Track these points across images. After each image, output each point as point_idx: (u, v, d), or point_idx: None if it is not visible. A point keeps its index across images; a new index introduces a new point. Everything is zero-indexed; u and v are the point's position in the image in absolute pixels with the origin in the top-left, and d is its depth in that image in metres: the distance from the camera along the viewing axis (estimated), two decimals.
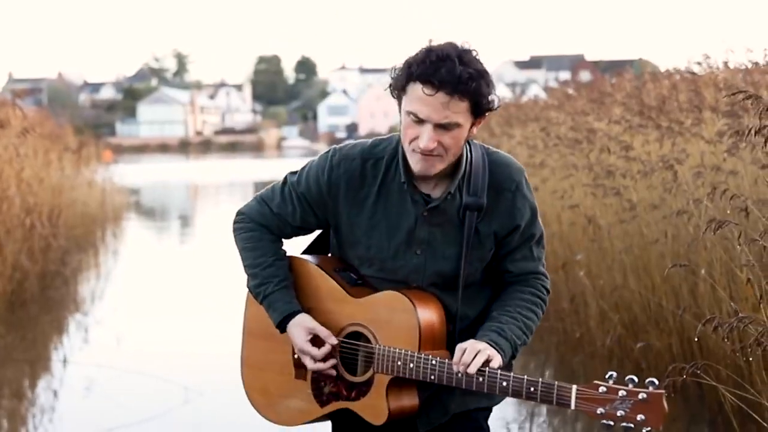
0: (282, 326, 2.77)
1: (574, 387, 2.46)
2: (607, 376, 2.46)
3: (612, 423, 2.41)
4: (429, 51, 2.57)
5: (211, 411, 6.45)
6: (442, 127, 2.56)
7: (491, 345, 2.60)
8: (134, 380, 7.28)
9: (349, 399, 2.73)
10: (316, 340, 2.73)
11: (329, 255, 2.92)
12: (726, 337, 3.49)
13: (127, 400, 6.75)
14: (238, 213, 2.90)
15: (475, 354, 2.55)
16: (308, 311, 2.78)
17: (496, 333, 2.64)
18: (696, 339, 4.96)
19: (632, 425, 2.42)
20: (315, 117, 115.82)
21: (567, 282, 7.99)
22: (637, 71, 13.20)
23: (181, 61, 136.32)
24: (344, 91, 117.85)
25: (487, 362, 2.55)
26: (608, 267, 7.31)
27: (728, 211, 4.41)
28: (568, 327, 7.77)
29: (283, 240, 2.88)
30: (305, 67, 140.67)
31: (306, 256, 2.88)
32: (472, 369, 2.52)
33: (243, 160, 56.67)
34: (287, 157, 62.00)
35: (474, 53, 2.59)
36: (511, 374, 2.52)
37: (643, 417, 2.41)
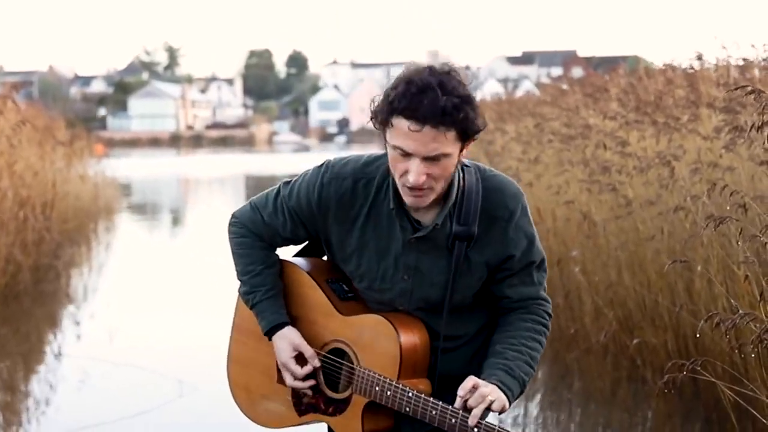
0: (269, 336, 2.79)
1: None
2: None
3: None
4: (409, 83, 2.49)
5: (206, 405, 6.44)
6: (430, 159, 2.50)
7: (500, 387, 2.55)
8: (128, 374, 7.26)
9: (326, 414, 2.75)
10: (300, 357, 2.75)
11: (324, 259, 2.91)
12: (726, 333, 3.49)
13: (122, 394, 6.73)
14: (233, 216, 2.88)
15: (481, 400, 2.50)
16: (295, 319, 2.80)
17: (504, 372, 2.58)
18: (697, 335, 4.95)
19: None
20: (306, 112, 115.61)
21: (561, 278, 8.00)
22: (632, 67, 13.22)
23: (172, 54, 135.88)
24: (336, 86, 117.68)
25: (487, 409, 2.51)
26: (603, 263, 7.31)
27: (727, 208, 4.40)
28: (563, 323, 7.77)
29: (276, 247, 2.87)
30: (296, 61, 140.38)
31: (300, 261, 2.88)
32: (473, 420, 2.47)
33: (234, 155, 56.59)
34: (278, 152, 61.99)
35: (454, 76, 2.51)
36: (484, 422, 2.47)
37: None
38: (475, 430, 2.46)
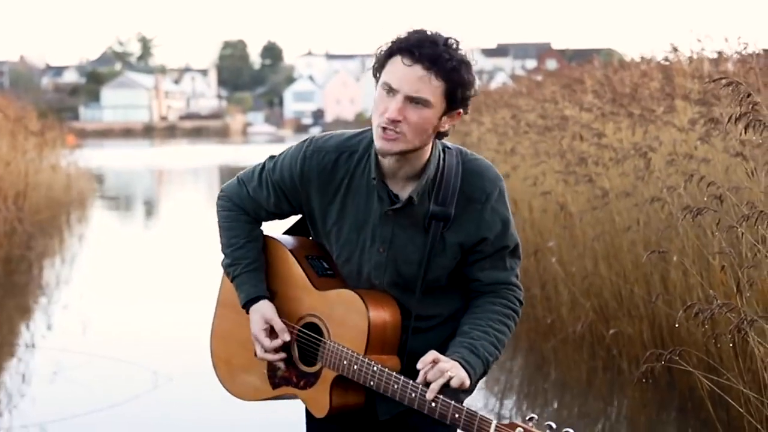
0: (246, 308, 2.82)
1: (494, 423, 2.41)
2: (527, 418, 2.40)
3: None
4: (418, 31, 2.57)
5: (181, 396, 6.41)
6: (411, 100, 2.53)
7: (462, 364, 2.55)
8: (102, 365, 7.21)
9: (298, 387, 2.77)
10: (272, 331, 2.78)
11: (309, 238, 2.91)
12: (704, 323, 3.50)
13: (96, 386, 6.68)
14: (221, 190, 2.92)
15: (440, 375, 2.50)
16: (274, 294, 2.83)
17: (468, 350, 2.60)
18: (676, 325, 4.97)
19: None
20: (281, 103, 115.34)
21: (538, 268, 8.00)
22: (606, 59, 13.26)
23: (145, 45, 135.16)
24: (310, 77, 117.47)
25: (447, 384, 2.51)
26: (579, 254, 7.33)
27: (704, 199, 4.42)
28: (539, 313, 7.78)
29: (261, 221, 2.90)
30: (271, 52, 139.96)
31: (283, 238, 2.90)
32: (430, 395, 2.49)
33: (208, 146, 56.40)
34: (253, 143, 61.77)
35: (465, 52, 2.58)
36: (441, 397, 2.48)
37: None
38: (433, 404, 2.48)
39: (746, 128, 3.57)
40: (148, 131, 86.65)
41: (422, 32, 2.56)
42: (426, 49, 2.51)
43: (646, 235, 6.46)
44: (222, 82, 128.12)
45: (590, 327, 6.94)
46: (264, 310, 2.78)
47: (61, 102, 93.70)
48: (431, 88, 2.52)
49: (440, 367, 2.50)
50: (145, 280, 11.05)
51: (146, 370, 6.93)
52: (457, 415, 2.45)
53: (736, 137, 5.57)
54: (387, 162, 2.64)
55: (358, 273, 2.73)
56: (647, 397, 6.24)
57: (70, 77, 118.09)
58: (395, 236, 2.68)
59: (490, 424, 2.40)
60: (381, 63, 2.59)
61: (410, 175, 2.66)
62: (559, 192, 7.83)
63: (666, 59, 8.53)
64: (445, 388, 2.50)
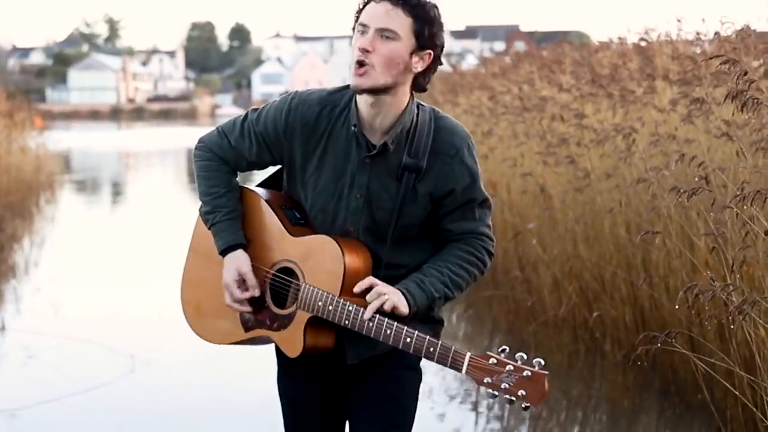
0: (223, 255, 2.93)
1: (468, 354, 2.61)
2: (500, 350, 2.60)
3: (495, 393, 2.58)
4: None
5: (159, 379, 6.31)
6: (381, 34, 2.72)
7: (403, 292, 2.75)
8: (77, 349, 7.10)
9: (271, 329, 2.89)
10: (243, 282, 2.89)
11: (281, 191, 3.04)
12: (706, 305, 3.45)
13: (72, 369, 6.57)
14: (199, 140, 3.02)
15: (377, 296, 2.71)
16: (249, 242, 2.94)
17: (415, 283, 2.78)
18: (677, 306, 4.94)
19: (513, 398, 2.57)
20: (249, 85, 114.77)
21: (518, 250, 7.96)
22: (581, 41, 13.22)
23: (112, 26, 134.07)
24: (279, 59, 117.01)
25: (382, 308, 2.69)
26: (560, 236, 7.28)
27: (696, 179, 4.39)
28: (519, 296, 7.73)
29: (238, 172, 3.02)
30: (239, 34, 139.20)
31: (258, 190, 3.03)
32: (367, 315, 2.69)
33: (176, 128, 56.04)
34: None
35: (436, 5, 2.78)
36: (416, 332, 2.65)
37: (524, 392, 2.55)
38: (408, 339, 2.66)
39: (743, 107, 3.53)
40: (115, 113, 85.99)
41: None
42: None
43: (627, 216, 6.42)
44: (190, 64, 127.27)
45: (572, 310, 6.90)
46: (240, 261, 2.90)
47: (28, 84, 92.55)
48: (399, 21, 2.72)
49: (377, 290, 2.72)
50: (117, 263, 10.93)
51: (123, 354, 6.83)
52: (432, 349, 2.64)
53: (719, 117, 5.54)
54: (365, 110, 2.80)
55: (333, 221, 2.87)
56: (629, 380, 6.21)
57: (37, 59, 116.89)
58: (371, 183, 2.83)
59: (465, 355, 2.60)
60: (357, 15, 2.78)
61: (387, 126, 2.82)
62: (539, 173, 7.77)
63: (643, 39, 8.48)
64: (386, 313, 2.69)
